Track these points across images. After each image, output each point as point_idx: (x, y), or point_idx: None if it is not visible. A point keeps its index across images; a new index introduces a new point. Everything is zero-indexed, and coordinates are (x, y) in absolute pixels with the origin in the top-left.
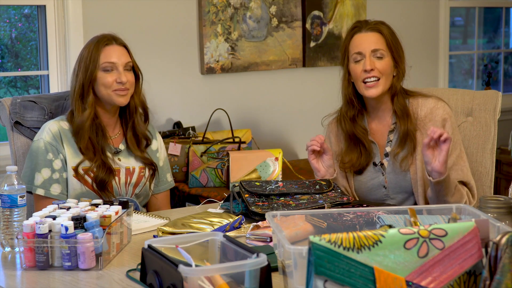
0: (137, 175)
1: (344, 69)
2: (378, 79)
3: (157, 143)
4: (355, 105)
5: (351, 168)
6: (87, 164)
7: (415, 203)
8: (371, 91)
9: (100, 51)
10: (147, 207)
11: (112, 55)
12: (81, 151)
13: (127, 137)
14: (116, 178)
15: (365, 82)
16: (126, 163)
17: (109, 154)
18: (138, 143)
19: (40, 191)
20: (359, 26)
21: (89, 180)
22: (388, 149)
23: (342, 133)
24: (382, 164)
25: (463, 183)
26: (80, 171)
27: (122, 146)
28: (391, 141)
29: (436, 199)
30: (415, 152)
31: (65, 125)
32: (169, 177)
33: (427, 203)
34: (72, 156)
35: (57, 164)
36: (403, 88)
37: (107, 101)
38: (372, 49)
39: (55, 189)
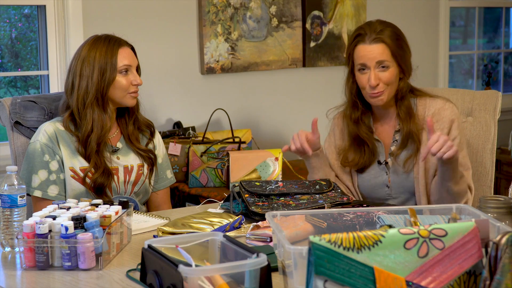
0: (136, 173)
1: (348, 71)
2: (383, 90)
3: (155, 141)
4: (360, 106)
5: (354, 167)
6: (85, 164)
7: (416, 204)
8: (377, 101)
9: (116, 54)
10: (148, 204)
11: (126, 57)
12: (87, 157)
13: (128, 133)
14: (115, 176)
15: (372, 93)
16: (124, 162)
17: (107, 154)
18: (142, 134)
19: (37, 193)
20: (363, 33)
21: (88, 180)
22: (393, 148)
23: (346, 130)
24: (386, 163)
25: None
26: (78, 171)
27: (120, 145)
28: (396, 140)
29: (440, 184)
30: (419, 152)
31: (61, 126)
32: (169, 174)
33: (428, 202)
34: (69, 157)
35: (54, 165)
36: (411, 86)
37: (118, 103)
38: (376, 61)
39: (53, 191)
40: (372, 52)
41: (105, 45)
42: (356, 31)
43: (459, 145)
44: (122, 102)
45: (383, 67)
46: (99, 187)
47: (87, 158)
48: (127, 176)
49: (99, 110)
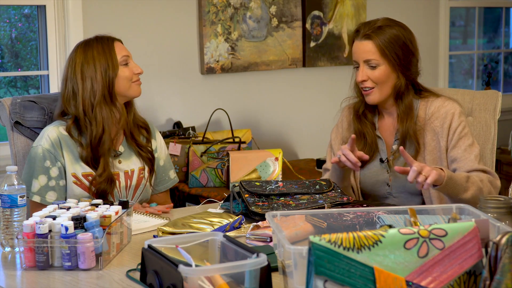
0: (137, 177)
1: (354, 66)
2: (373, 88)
3: (156, 143)
4: (365, 101)
5: None
6: (87, 170)
7: (418, 205)
8: (368, 99)
9: (112, 48)
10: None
11: (122, 49)
12: (98, 160)
13: (130, 128)
14: (116, 182)
15: (363, 89)
16: (125, 166)
17: (110, 159)
18: (141, 133)
19: (36, 198)
20: (359, 29)
21: (91, 186)
22: (395, 147)
23: (352, 123)
24: (388, 161)
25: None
26: (80, 177)
27: (122, 148)
28: (398, 139)
29: (451, 200)
30: (419, 155)
31: (64, 130)
32: (172, 174)
33: (441, 202)
34: (71, 163)
35: (54, 171)
36: (419, 86)
37: (125, 95)
38: (363, 60)
39: (51, 197)
40: (360, 49)
41: (99, 43)
42: (356, 27)
43: (465, 135)
44: (128, 93)
45: (372, 66)
46: (102, 193)
47: (95, 161)
48: (128, 180)
49: (108, 107)
